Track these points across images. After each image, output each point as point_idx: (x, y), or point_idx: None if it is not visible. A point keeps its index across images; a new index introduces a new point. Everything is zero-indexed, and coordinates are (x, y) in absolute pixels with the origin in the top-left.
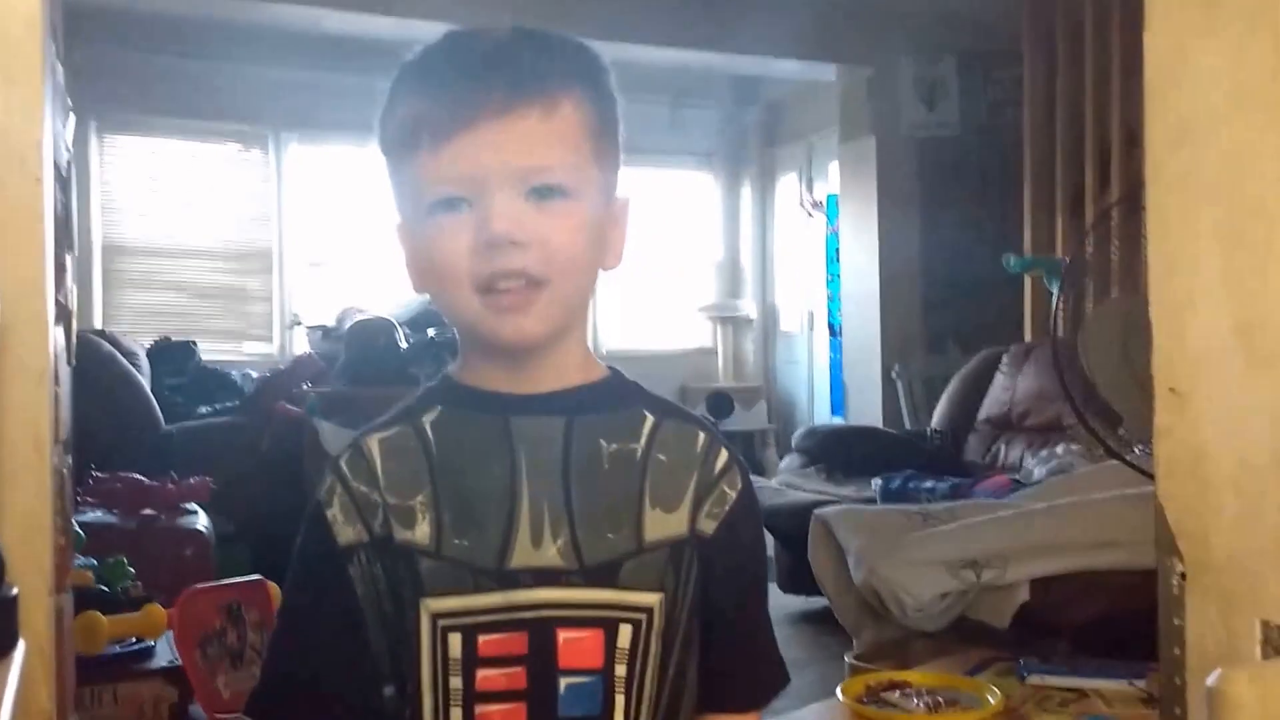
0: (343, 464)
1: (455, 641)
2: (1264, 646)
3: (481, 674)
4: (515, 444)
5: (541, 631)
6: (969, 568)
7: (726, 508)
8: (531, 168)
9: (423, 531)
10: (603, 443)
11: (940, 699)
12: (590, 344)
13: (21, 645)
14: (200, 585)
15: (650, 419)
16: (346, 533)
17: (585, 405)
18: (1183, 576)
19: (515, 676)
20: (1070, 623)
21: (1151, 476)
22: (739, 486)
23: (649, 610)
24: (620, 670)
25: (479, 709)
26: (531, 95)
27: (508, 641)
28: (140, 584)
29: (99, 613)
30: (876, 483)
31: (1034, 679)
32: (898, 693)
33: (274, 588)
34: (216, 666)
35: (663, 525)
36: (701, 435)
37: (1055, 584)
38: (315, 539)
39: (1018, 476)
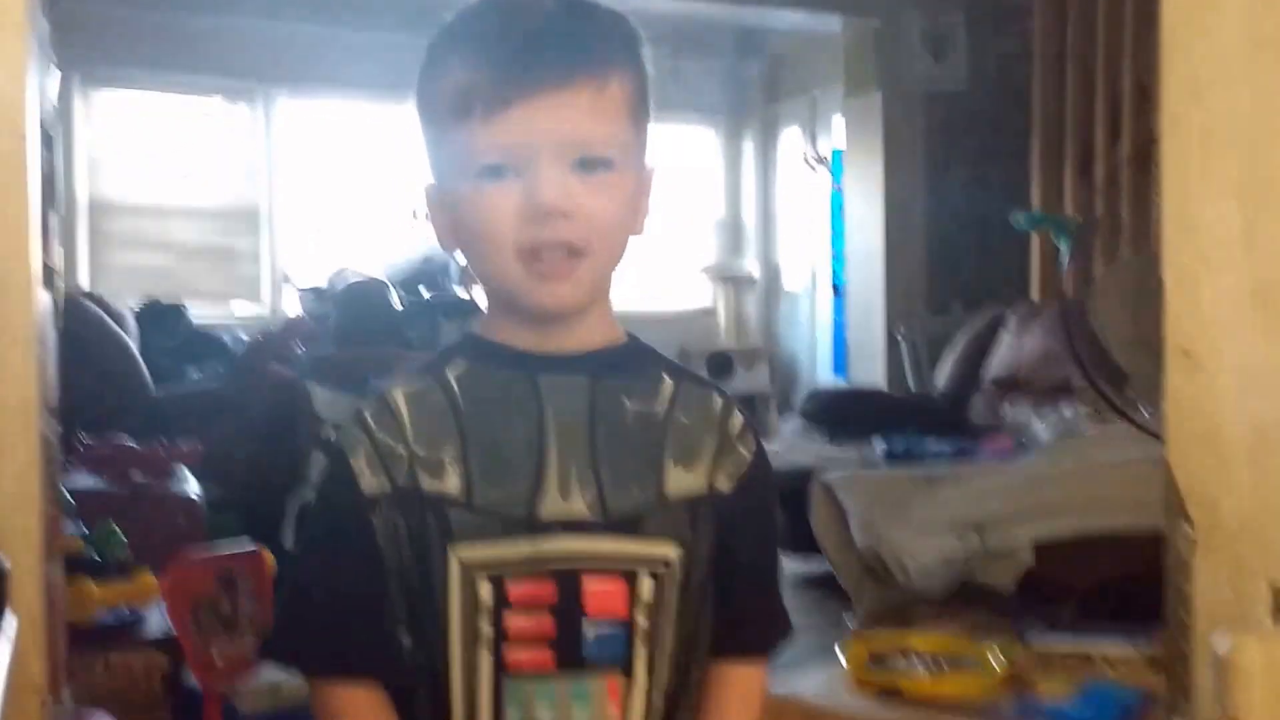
0: (368, 415)
1: (485, 588)
2: (1273, 611)
3: (510, 619)
4: (543, 399)
5: (568, 580)
6: (973, 531)
7: (743, 469)
8: (583, 138)
9: (452, 482)
10: (626, 402)
11: (943, 663)
12: None
13: (12, 617)
14: (192, 553)
15: (669, 381)
16: (370, 482)
17: (608, 367)
18: (1191, 540)
19: (543, 622)
20: (1075, 587)
21: (1160, 439)
22: (753, 449)
23: (669, 562)
24: (642, 622)
25: (508, 653)
26: (588, 70)
27: (536, 588)
28: (130, 551)
29: (89, 580)
30: (879, 445)
31: (1037, 643)
32: (900, 657)
33: (269, 557)
34: (210, 635)
35: (683, 482)
36: (718, 400)
37: (1060, 547)
38: (339, 487)
39: (1023, 439)
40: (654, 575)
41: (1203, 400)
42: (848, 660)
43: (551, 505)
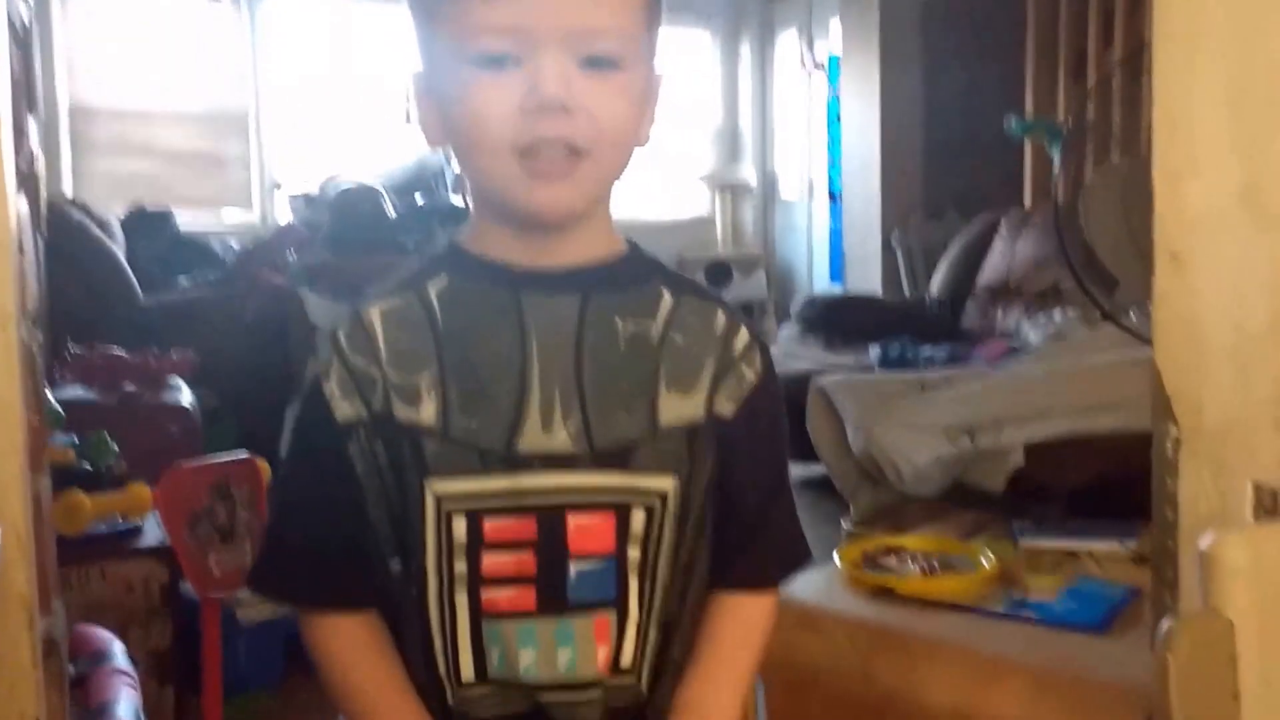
0: (341, 336)
1: (460, 525)
2: (1255, 508)
3: (488, 558)
4: (526, 322)
5: (550, 516)
6: (965, 433)
7: (746, 389)
8: (591, 29)
9: (428, 411)
10: (618, 322)
11: (935, 563)
12: None
13: None
14: (186, 462)
15: (668, 297)
16: (344, 409)
17: (602, 282)
18: (1177, 440)
19: (524, 561)
20: (1064, 486)
21: (1148, 341)
22: (759, 367)
23: (664, 494)
24: (634, 554)
25: (485, 593)
26: None
27: (515, 526)
28: (124, 461)
29: (80, 491)
30: (874, 350)
31: (1027, 542)
32: (894, 557)
33: (263, 464)
34: (206, 544)
35: (679, 408)
36: (721, 315)
37: (1050, 448)
38: (312, 414)
39: (1014, 343)
40: (647, 508)
41: (1189, 303)
42: (842, 560)
43: (531, 438)
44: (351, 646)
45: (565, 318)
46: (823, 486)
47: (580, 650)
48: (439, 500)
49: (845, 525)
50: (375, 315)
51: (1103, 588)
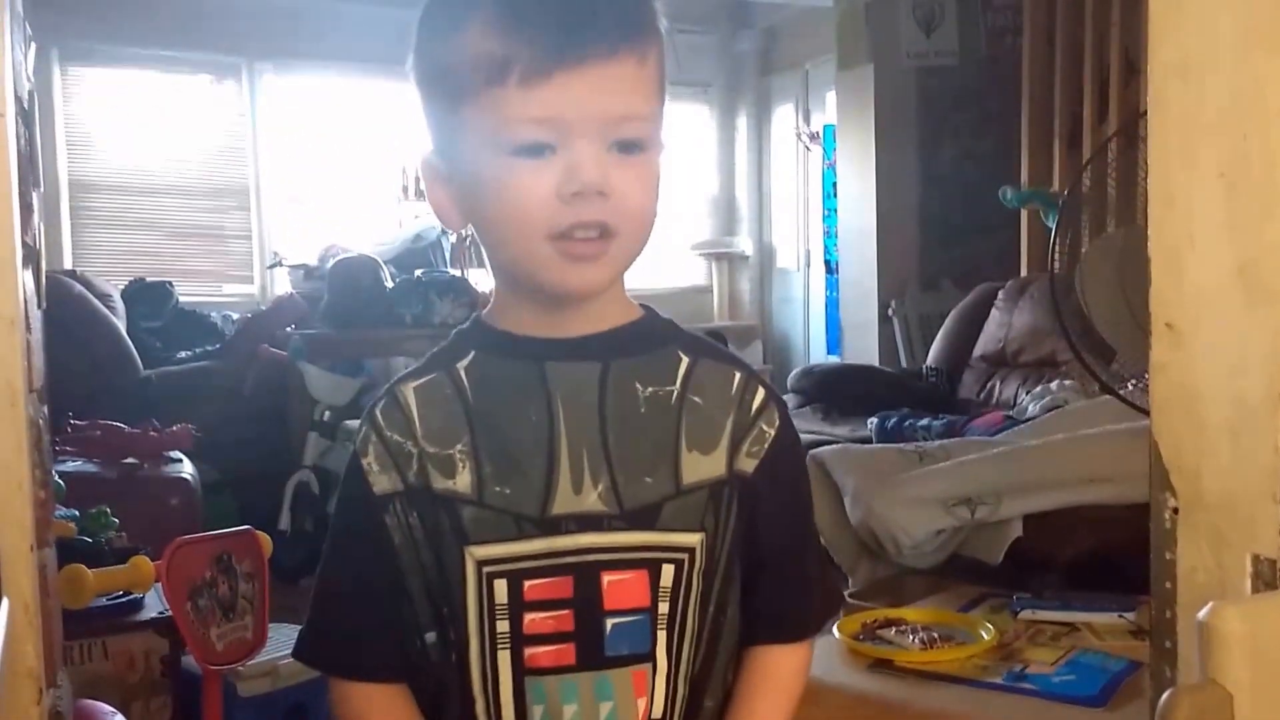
0: (378, 413)
1: (501, 587)
2: (1254, 580)
3: (529, 617)
4: (551, 390)
5: (586, 575)
6: (963, 505)
7: (766, 446)
8: (623, 117)
9: (464, 480)
10: (638, 386)
11: (935, 635)
12: None
13: (5, 603)
14: (188, 536)
15: (685, 360)
16: (381, 481)
17: (620, 348)
18: (1175, 512)
19: (562, 619)
20: (1062, 558)
21: (1145, 412)
22: (777, 424)
23: (691, 550)
24: (663, 608)
25: (528, 651)
26: (633, 41)
27: (553, 585)
28: (124, 534)
29: (83, 566)
30: (872, 421)
31: (1026, 614)
32: (893, 629)
33: (264, 537)
34: (208, 618)
35: (700, 467)
36: (737, 375)
37: (1048, 519)
38: (352, 487)
39: (1012, 413)
40: (675, 564)
41: (1186, 374)
42: (841, 633)
43: (564, 501)
44: (383, 714)
45: (587, 384)
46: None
47: (620, 704)
48: (480, 565)
49: (845, 597)
50: (409, 392)
51: (1102, 660)
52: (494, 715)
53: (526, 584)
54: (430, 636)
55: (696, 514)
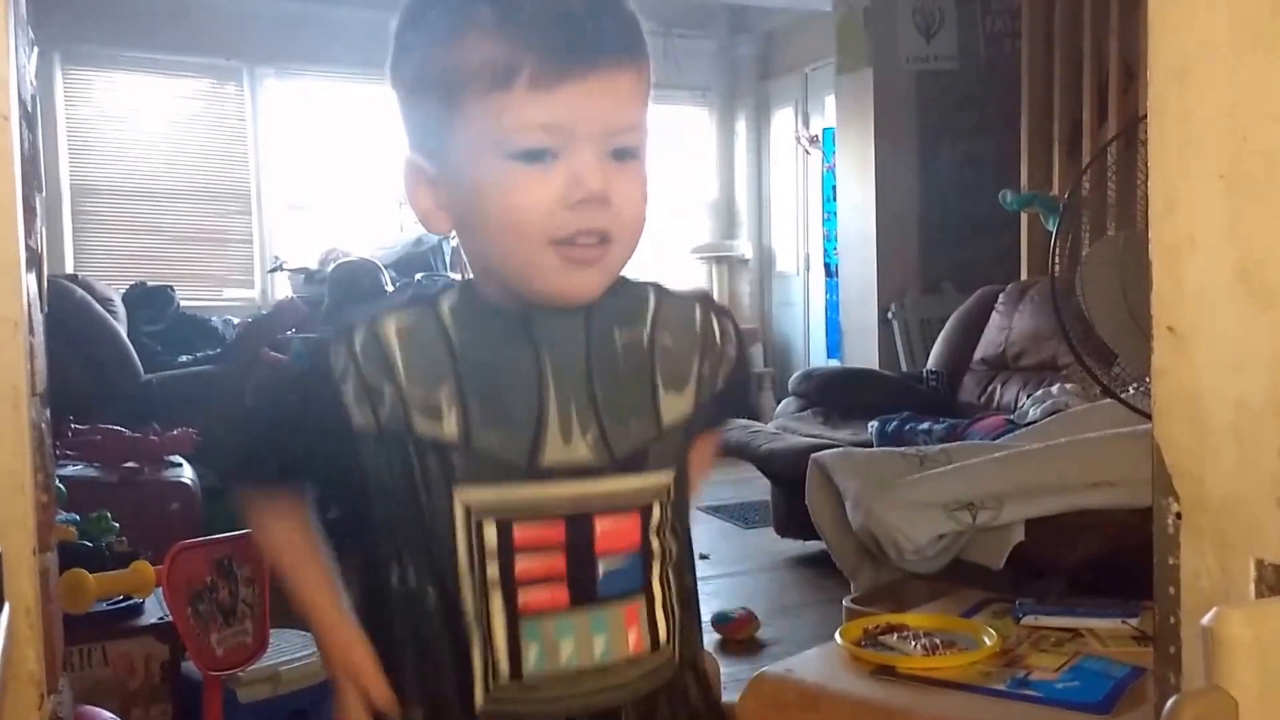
0: (357, 348)
1: (490, 531)
2: (1258, 585)
3: (520, 561)
4: (538, 338)
5: (578, 520)
6: (965, 509)
7: (729, 367)
8: (623, 126)
9: (450, 427)
10: (616, 332)
11: (937, 641)
12: None
13: (7, 607)
14: (189, 541)
15: (653, 299)
16: (357, 417)
17: (602, 299)
18: (1178, 516)
19: (554, 563)
20: (1065, 563)
21: (1147, 415)
22: (735, 342)
23: (668, 487)
24: (655, 544)
25: (520, 594)
26: (634, 53)
27: (544, 531)
28: (125, 539)
29: (84, 570)
30: (873, 425)
31: (1029, 619)
32: (895, 635)
33: None
34: (209, 623)
35: (676, 406)
36: (697, 309)
37: (1050, 524)
38: (324, 409)
39: (1012, 417)
40: (659, 501)
41: (1188, 377)
42: (843, 639)
43: (554, 450)
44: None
45: (574, 334)
46: (823, 563)
47: (615, 636)
48: (468, 508)
49: (846, 602)
50: (390, 330)
51: (1105, 666)
52: (489, 655)
53: (516, 529)
54: (411, 576)
55: (674, 452)
